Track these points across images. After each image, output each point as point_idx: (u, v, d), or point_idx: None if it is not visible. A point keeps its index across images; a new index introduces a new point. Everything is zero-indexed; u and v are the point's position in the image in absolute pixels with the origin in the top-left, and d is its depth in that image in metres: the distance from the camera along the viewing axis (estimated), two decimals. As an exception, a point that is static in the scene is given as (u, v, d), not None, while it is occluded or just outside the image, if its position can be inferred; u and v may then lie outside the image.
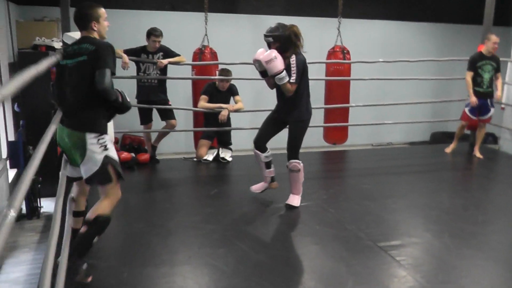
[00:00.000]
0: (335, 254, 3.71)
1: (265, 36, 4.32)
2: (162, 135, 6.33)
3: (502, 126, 7.64)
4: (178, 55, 5.99)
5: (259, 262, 3.53)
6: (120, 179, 3.21)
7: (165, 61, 5.83)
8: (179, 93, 7.41)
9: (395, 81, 8.98)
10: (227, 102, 6.31)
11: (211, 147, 6.45)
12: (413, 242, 3.96)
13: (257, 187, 4.88)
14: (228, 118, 6.29)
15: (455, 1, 10.22)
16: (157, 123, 6.37)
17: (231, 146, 6.53)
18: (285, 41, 4.26)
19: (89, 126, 3.08)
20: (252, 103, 8.06)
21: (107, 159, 3.08)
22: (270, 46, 4.30)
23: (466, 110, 6.74)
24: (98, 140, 3.07)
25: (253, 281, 3.03)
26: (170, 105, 6.17)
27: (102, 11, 3.28)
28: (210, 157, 6.30)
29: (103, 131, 3.13)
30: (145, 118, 6.20)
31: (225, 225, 4.15)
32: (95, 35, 3.25)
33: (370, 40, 9.87)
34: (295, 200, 4.65)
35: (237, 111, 6.24)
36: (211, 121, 6.32)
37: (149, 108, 6.12)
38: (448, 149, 7.08)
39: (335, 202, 4.90)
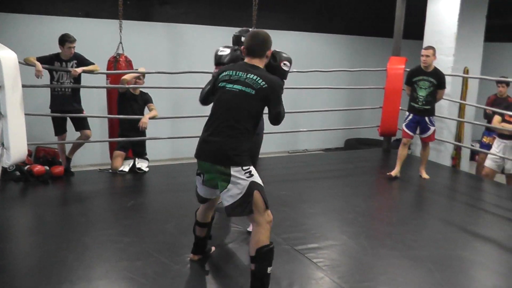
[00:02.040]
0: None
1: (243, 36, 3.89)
2: (76, 146, 6.12)
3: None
4: (92, 63, 5.83)
5: (179, 273, 3.50)
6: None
7: (79, 70, 5.64)
8: (93, 102, 7.21)
9: (310, 90, 9.18)
10: (142, 110, 6.22)
11: (127, 158, 6.31)
12: (330, 245, 4.08)
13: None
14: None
15: (367, 14, 10.68)
16: (72, 134, 6.17)
17: (147, 156, 6.42)
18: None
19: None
20: (170, 112, 7.99)
21: None
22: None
23: (403, 126, 6.39)
24: None
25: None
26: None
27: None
28: (126, 168, 6.16)
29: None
30: (59, 129, 5.97)
31: (143, 237, 4.07)
32: None
33: (284, 51, 10.04)
34: None
35: (152, 118, 6.16)
36: (126, 131, 6.20)
37: (63, 118, 5.91)
38: (392, 173, 6.34)
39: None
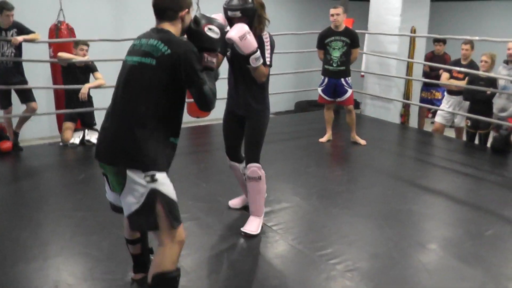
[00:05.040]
0: (209, 227, 3.79)
1: (230, 9, 3.36)
2: (23, 119, 5.96)
3: (363, 92, 8.17)
4: (33, 32, 5.65)
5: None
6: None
7: (19, 38, 5.45)
8: (38, 73, 6.97)
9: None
10: (87, 79, 6.07)
11: (76, 129, 6.18)
12: (283, 207, 4.16)
13: (235, 203, 4.14)
14: (90, 97, 6.08)
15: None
16: (18, 107, 5.99)
17: (96, 127, 6.30)
18: (253, 15, 3.38)
19: None
20: (115, 81, 7.82)
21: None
22: (233, 22, 3.35)
23: (319, 90, 6.21)
24: None
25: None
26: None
27: None
28: (76, 140, 6.05)
29: None
30: (4, 102, 5.79)
31: (96, 211, 4.01)
32: None
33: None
34: (254, 224, 3.68)
35: (98, 87, 6.03)
36: (73, 101, 6.05)
37: (7, 90, 5.73)
38: (323, 139, 6.31)
39: (206, 176, 4.97)
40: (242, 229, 3.63)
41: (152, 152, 2.31)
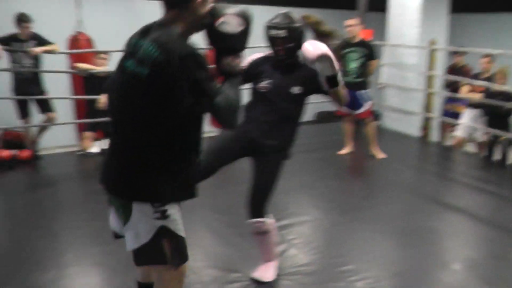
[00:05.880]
0: (228, 240, 3.73)
1: (274, 27, 2.88)
2: (42, 129, 6.01)
3: (383, 104, 8.06)
4: (52, 43, 5.70)
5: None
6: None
7: (38, 50, 5.52)
8: (57, 83, 7.00)
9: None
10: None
11: (97, 139, 6.19)
12: (303, 221, 4.09)
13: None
14: None
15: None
16: (37, 117, 6.02)
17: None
18: (300, 38, 2.91)
19: None
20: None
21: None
22: (276, 43, 2.90)
23: None
24: None
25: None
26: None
27: None
28: (96, 149, 6.05)
29: None
30: (23, 112, 5.84)
31: (114, 221, 4.00)
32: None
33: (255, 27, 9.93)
34: (268, 271, 3.15)
35: None
36: (93, 111, 6.06)
37: (26, 101, 5.78)
38: (342, 151, 6.20)
39: (224, 186, 4.91)
40: (254, 275, 3.13)
41: (163, 183, 1.92)
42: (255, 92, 2.99)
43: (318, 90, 2.93)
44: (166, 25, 1.85)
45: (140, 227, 1.93)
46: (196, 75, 1.77)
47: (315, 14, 3.07)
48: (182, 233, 2.02)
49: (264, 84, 2.94)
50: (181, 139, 1.92)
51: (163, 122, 1.84)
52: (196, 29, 1.91)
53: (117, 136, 1.96)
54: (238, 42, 1.92)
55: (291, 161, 5.63)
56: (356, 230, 3.98)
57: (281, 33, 2.84)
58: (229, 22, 1.87)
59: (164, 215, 1.93)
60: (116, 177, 1.98)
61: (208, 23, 1.89)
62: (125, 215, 1.96)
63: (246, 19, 1.91)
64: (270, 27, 2.87)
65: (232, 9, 1.91)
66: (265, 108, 2.94)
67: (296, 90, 2.93)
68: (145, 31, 1.88)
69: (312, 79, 2.89)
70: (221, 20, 1.86)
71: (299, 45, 2.86)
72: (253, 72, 2.96)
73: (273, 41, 2.88)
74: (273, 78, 2.94)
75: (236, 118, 1.90)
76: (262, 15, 3.17)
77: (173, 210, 1.96)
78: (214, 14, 1.88)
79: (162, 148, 1.89)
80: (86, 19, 6.81)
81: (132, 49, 1.87)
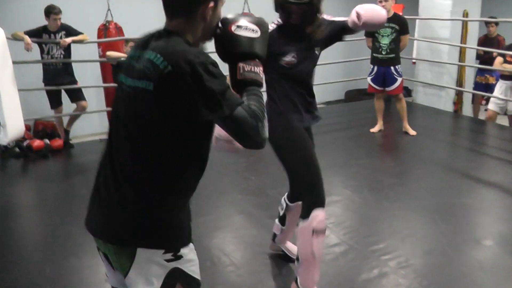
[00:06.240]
0: (259, 221, 3.73)
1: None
2: (74, 118, 6.09)
3: (414, 79, 7.89)
4: (81, 33, 5.77)
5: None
6: None
7: (68, 40, 5.59)
8: (87, 72, 7.10)
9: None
10: None
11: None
12: (334, 201, 4.06)
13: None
14: None
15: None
16: (69, 105, 6.11)
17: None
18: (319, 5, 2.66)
19: None
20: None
21: None
22: (293, 10, 2.58)
23: (368, 79, 6.07)
24: None
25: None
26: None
27: None
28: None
29: None
30: (55, 102, 5.93)
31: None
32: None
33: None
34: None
35: None
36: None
37: (57, 91, 5.87)
38: (374, 129, 6.12)
39: (256, 169, 4.92)
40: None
41: (172, 221, 1.60)
42: (280, 73, 2.67)
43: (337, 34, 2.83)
44: (171, 34, 1.58)
45: (146, 275, 1.58)
46: (210, 85, 1.47)
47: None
48: (198, 275, 1.68)
49: (289, 58, 2.65)
50: (192, 162, 1.62)
51: (175, 143, 1.54)
52: (205, 39, 1.68)
53: (114, 167, 1.61)
54: (259, 46, 1.67)
55: (322, 140, 5.63)
56: (387, 209, 3.93)
57: (303, 4, 2.54)
58: (246, 26, 1.66)
59: (176, 256, 1.60)
60: (115, 224, 1.60)
61: (220, 32, 1.67)
62: (126, 262, 1.60)
63: (262, 26, 1.70)
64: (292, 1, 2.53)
65: (246, 17, 1.71)
66: (298, 85, 2.72)
67: (317, 51, 2.77)
68: (147, 41, 1.62)
69: (328, 31, 2.76)
70: (236, 24, 1.65)
71: (318, 9, 2.63)
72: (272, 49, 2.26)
73: (290, 7, 2.56)
74: (297, 50, 2.67)
75: (263, 133, 1.54)
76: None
77: (187, 249, 1.63)
78: (223, 24, 1.67)
79: (173, 179, 1.58)
80: (115, 8, 6.84)
81: (135, 62, 1.59)
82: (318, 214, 2.58)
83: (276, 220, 3.08)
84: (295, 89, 2.70)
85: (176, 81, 1.46)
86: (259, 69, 1.65)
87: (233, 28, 1.64)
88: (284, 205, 2.98)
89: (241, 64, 1.62)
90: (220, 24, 1.67)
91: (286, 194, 3.01)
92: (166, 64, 1.47)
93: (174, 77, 1.46)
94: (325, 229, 2.65)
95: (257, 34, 1.66)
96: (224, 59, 1.67)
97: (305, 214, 2.61)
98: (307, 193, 2.67)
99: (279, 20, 2.69)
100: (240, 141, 1.56)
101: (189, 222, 1.67)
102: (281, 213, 3.02)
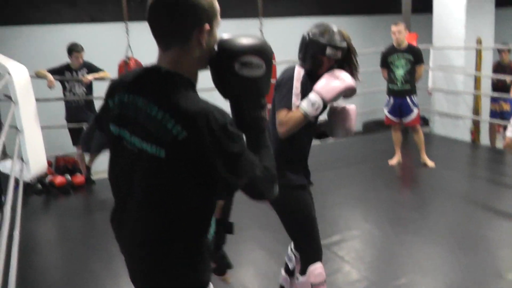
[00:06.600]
0: (281, 258, 3.72)
1: (338, 48, 2.49)
2: (96, 154, 6.18)
3: (431, 109, 7.90)
4: (102, 70, 5.90)
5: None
6: None
7: (89, 77, 5.74)
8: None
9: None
10: None
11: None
12: (354, 235, 4.07)
13: None
14: None
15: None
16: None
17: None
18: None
19: None
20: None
21: None
22: (323, 64, 2.53)
23: (385, 111, 6.07)
24: None
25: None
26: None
27: None
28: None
29: None
30: (76, 139, 6.03)
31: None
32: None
33: (294, 38, 9.97)
34: None
35: None
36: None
37: (79, 127, 5.98)
38: (392, 161, 6.11)
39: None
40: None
41: (190, 268, 1.50)
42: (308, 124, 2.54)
43: None
44: (171, 76, 1.41)
45: None
46: (232, 150, 1.37)
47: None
48: None
49: None
50: (204, 214, 1.50)
51: (193, 203, 1.43)
52: (202, 67, 1.50)
53: (131, 236, 1.61)
54: (265, 85, 1.52)
55: (340, 173, 5.65)
56: (408, 242, 3.92)
57: (339, 54, 2.47)
58: (251, 63, 1.46)
59: None
60: (150, 270, 1.55)
61: (221, 66, 1.49)
62: None
63: (266, 55, 1.51)
64: (330, 46, 2.45)
65: (248, 44, 1.49)
66: (308, 134, 2.65)
67: None
68: (139, 83, 1.46)
69: None
70: (240, 61, 1.46)
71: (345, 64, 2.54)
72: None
73: (323, 60, 2.49)
74: None
75: (276, 192, 1.51)
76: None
77: None
78: (225, 52, 1.47)
79: (196, 231, 1.49)
80: (135, 44, 7.00)
81: (129, 112, 1.44)
82: (315, 268, 2.60)
83: (282, 271, 2.96)
84: (310, 137, 2.68)
85: (194, 149, 1.33)
86: (265, 113, 1.53)
87: (236, 67, 1.46)
88: (293, 257, 2.88)
89: (247, 109, 1.51)
90: (218, 54, 1.48)
91: (291, 244, 2.89)
92: (180, 130, 1.32)
93: (191, 144, 1.33)
94: (324, 281, 2.64)
95: (262, 70, 1.49)
96: (225, 97, 1.54)
97: (303, 270, 2.64)
98: (303, 247, 2.68)
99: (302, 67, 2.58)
100: (250, 196, 1.49)
101: (209, 263, 1.58)
102: (290, 266, 2.89)
